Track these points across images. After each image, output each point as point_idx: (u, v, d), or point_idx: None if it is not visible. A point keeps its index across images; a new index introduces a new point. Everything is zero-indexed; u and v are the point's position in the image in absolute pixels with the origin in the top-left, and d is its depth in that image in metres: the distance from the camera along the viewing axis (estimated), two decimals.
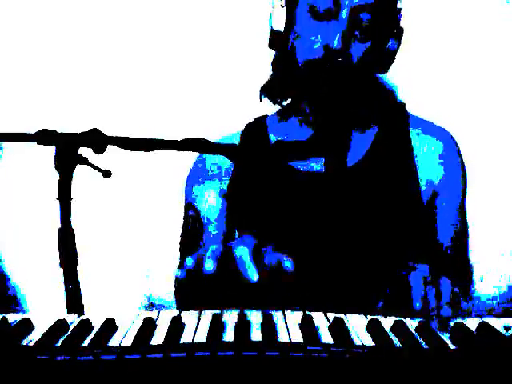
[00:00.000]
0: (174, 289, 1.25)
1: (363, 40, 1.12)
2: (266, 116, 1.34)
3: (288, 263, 0.87)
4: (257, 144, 1.29)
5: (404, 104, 1.29)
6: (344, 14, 1.09)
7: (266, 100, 1.27)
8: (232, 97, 1.74)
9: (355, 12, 1.10)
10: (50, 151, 0.94)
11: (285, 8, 1.16)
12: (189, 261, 0.86)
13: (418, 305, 0.87)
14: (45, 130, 0.96)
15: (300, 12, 1.14)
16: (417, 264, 0.96)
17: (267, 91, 1.26)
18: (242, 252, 0.85)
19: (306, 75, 1.15)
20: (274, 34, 1.18)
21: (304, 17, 1.13)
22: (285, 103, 1.26)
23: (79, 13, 1.77)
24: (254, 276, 0.83)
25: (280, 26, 1.17)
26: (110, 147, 0.96)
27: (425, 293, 0.88)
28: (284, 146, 1.14)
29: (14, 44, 1.79)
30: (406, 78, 1.34)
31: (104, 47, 1.77)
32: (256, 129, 1.32)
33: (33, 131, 0.95)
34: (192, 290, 0.90)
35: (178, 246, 1.28)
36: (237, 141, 1.31)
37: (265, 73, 1.29)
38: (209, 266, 0.83)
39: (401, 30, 1.19)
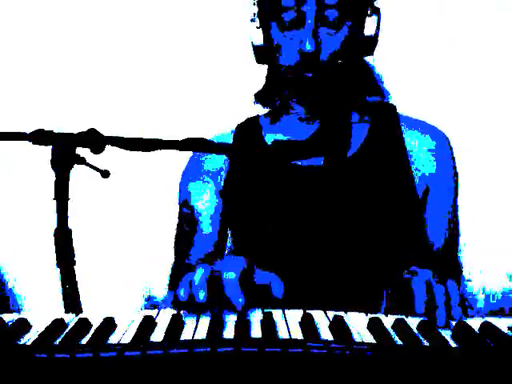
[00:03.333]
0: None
1: (335, 34, 1.16)
2: (259, 116, 1.35)
3: (277, 289, 0.90)
4: (252, 143, 1.30)
5: (395, 106, 1.32)
6: (309, 18, 1.13)
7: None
8: (230, 96, 1.74)
9: (320, 12, 1.14)
10: (47, 150, 0.93)
11: (260, 28, 1.22)
12: (182, 292, 0.88)
13: (420, 310, 0.87)
14: (40, 130, 0.95)
15: (273, 26, 1.19)
16: (419, 269, 0.96)
17: (259, 97, 1.31)
18: (230, 276, 0.87)
19: (290, 80, 1.19)
20: (256, 50, 1.24)
21: (276, 30, 1.18)
22: (275, 104, 1.30)
23: (78, 13, 1.77)
24: (240, 303, 0.85)
25: (259, 42, 1.23)
26: (108, 147, 0.95)
27: (428, 297, 0.88)
28: (283, 145, 1.16)
29: (12, 44, 1.78)
30: (398, 79, 1.36)
31: (102, 47, 1.77)
32: (249, 128, 1.33)
33: (30, 131, 0.95)
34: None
35: (173, 243, 1.28)
36: (229, 140, 1.32)
37: (259, 74, 1.30)
38: (201, 296, 0.86)
39: (377, 10, 1.20)
